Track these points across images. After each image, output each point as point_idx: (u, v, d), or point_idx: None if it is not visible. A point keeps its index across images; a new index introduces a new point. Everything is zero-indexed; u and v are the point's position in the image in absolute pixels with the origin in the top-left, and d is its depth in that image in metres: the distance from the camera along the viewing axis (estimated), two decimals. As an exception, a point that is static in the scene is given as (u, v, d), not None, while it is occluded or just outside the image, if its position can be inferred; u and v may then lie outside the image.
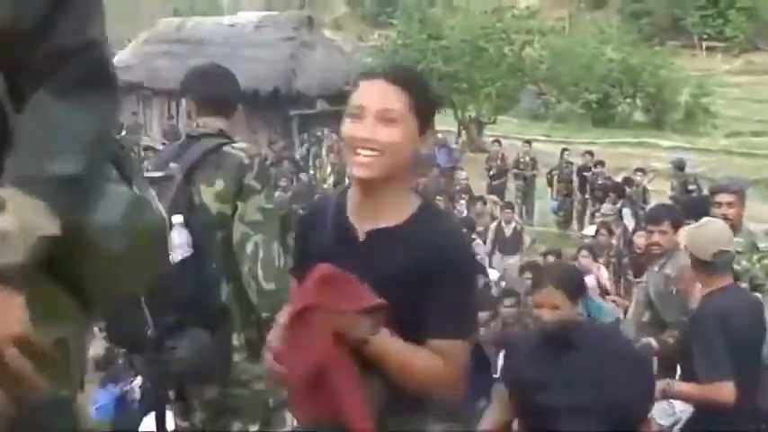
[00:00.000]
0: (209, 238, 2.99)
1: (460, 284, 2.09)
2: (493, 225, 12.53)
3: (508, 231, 12.36)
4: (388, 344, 2.05)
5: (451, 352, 2.07)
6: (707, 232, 3.84)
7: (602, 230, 10.81)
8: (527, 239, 12.78)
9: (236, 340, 3.09)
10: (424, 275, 2.04)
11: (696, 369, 3.57)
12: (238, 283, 3.06)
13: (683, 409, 3.63)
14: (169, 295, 2.71)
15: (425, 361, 2.06)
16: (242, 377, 3.15)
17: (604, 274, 9.71)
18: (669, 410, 3.61)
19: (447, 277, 2.05)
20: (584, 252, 9.76)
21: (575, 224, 16.22)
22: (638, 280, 7.19)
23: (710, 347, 3.54)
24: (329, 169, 18.31)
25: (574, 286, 3.32)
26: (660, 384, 3.44)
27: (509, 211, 13.01)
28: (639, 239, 9.56)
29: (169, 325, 2.86)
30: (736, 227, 4.96)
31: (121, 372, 7.39)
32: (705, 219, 4.23)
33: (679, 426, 3.61)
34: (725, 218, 4.89)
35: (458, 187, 15.49)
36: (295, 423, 3.44)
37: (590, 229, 12.17)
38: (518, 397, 1.29)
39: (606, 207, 12.38)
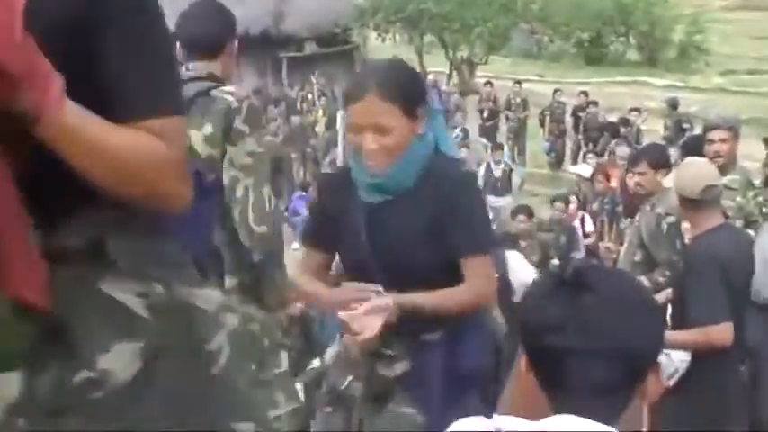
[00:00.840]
0: (199, 183, 2.97)
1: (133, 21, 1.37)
2: (482, 167, 12.56)
3: (497, 173, 12.37)
4: (75, 115, 1.27)
5: (165, 128, 1.38)
6: (692, 170, 3.84)
7: (599, 177, 10.73)
8: (517, 180, 12.82)
9: (228, 284, 3.10)
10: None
11: (692, 313, 3.56)
12: (230, 227, 3.06)
13: (683, 359, 3.63)
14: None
15: (136, 140, 1.35)
16: None
17: (588, 224, 9.69)
18: (667, 362, 3.60)
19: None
20: (557, 204, 9.66)
21: (568, 165, 16.21)
22: (630, 220, 7.20)
23: (707, 290, 3.53)
24: (321, 112, 18.20)
25: (411, 95, 2.37)
26: None
27: (499, 152, 13.02)
28: (631, 182, 9.53)
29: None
30: (730, 164, 4.96)
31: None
32: (689, 158, 4.24)
33: (677, 376, 3.61)
34: (717, 155, 4.89)
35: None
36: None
37: (581, 167, 12.06)
38: (529, 337, 1.29)
39: (621, 149, 12.16)
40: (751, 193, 4.96)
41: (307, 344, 6.39)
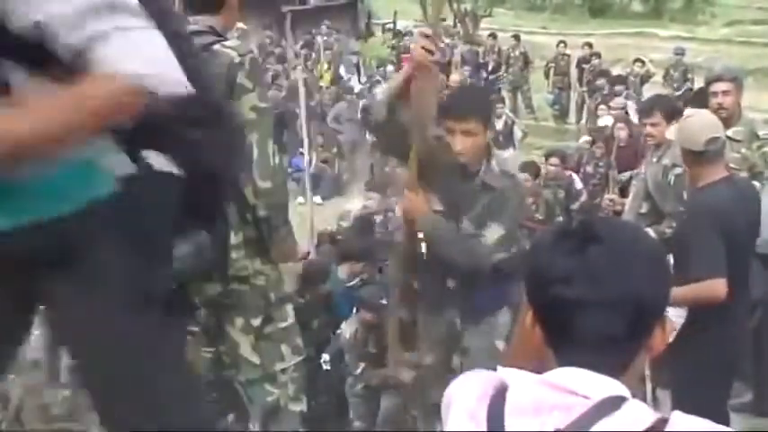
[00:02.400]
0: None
1: None
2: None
3: (499, 125, 12.32)
4: None
5: None
6: (695, 122, 3.80)
7: (600, 143, 10.59)
8: (519, 133, 12.75)
9: (234, 239, 3.10)
10: None
11: (690, 267, 3.56)
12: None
13: (679, 314, 3.63)
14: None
15: None
16: (242, 273, 3.19)
17: (577, 183, 9.61)
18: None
19: None
20: (553, 159, 9.54)
21: (572, 117, 16.13)
22: (633, 172, 7.17)
23: (703, 244, 3.53)
24: (326, 66, 18.06)
25: None
26: None
27: (500, 105, 12.94)
28: (621, 132, 9.48)
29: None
30: (734, 116, 4.91)
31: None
32: (691, 110, 4.20)
33: (674, 333, 3.60)
34: (720, 107, 4.84)
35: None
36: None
37: (605, 119, 11.79)
38: (536, 289, 1.27)
39: (617, 101, 11.99)
40: (756, 145, 4.92)
41: (329, 317, 6.44)
